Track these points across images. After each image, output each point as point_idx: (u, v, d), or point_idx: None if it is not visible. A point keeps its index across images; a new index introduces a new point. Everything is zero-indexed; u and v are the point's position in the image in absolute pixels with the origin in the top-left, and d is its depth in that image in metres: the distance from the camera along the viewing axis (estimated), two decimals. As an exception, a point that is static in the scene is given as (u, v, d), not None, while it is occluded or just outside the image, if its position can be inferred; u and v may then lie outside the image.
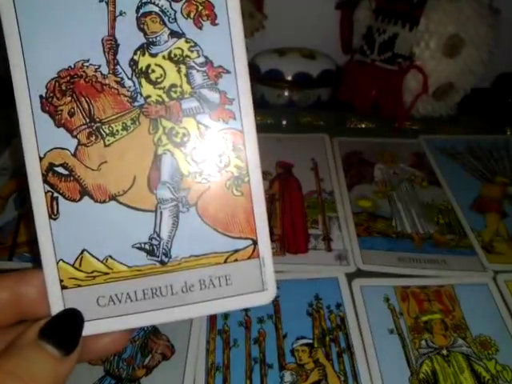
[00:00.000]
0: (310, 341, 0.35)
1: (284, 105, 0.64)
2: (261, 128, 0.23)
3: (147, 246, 0.23)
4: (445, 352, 0.35)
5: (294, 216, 0.46)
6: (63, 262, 0.22)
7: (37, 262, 0.23)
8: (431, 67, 0.57)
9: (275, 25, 0.66)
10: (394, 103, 0.60)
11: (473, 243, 0.44)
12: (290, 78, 0.63)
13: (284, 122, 0.62)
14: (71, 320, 0.22)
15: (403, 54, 0.57)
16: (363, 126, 0.62)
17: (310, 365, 0.34)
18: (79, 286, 0.23)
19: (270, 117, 0.61)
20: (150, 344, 0.35)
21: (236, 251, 0.23)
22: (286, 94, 0.63)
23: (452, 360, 0.34)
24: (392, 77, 0.59)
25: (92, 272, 0.23)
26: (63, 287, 0.22)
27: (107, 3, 0.22)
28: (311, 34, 0.67)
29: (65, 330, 0.22)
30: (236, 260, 0.23)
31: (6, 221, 0.45)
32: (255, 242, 0.23)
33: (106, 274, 0.23)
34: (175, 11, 0.22)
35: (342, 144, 0.57)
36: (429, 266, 0.42)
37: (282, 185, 0.50)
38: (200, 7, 0.22)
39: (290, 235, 0.44)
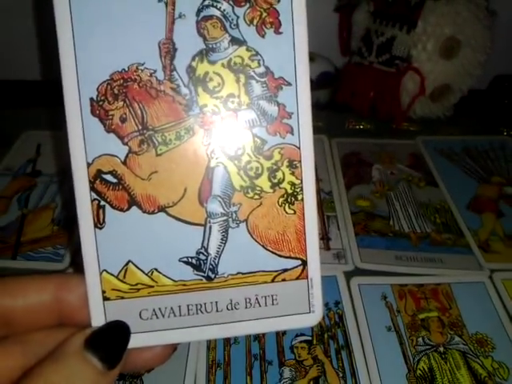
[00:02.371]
0: (309, 338, 0.36)
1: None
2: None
3: (194, 261, 0.22)
4: (442, 349, 0.35)
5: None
6: (107, 272, 0.22)
7: (79, 270, 0.22)
8: (428, 69, 0.57)
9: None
10: (392, 105, 0.60)
11: (469, 242, 0.44)
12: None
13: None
14: (118, 333, 0.21)
15: (401, 56, 0.58)
16: (361, 127, 0.62)
17: (308, 361, 0.34)
18: (122, 297, 0.22)
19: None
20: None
21: (284, 271, 0.23)
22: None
23: (449, 357, 0.35)
24: (390, 78, 0.59)
25: (136, 284, 0.22)
26: (105, 298, 0.22)
27: (166, 4, 0.21)
28: (310, 37, 0.67)
29: (111, 342, 0.21)
30: (284, 280, 0.22)
31: (9, 220, 0.45)
32: (305, 263, 0.23)
33: (151, 286, 0.22)
34: (238, 17, 0.21)
35: (340, 145, 0.58)
36: (426, 264, 0.42)
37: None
38: (264, 14, 0.21)
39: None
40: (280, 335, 0.36)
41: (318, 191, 0.50)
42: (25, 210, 0.46)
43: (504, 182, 0.52)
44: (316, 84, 0.64)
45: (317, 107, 0.65)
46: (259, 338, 0.35)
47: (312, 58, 0.65)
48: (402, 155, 0.56)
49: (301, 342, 0.35)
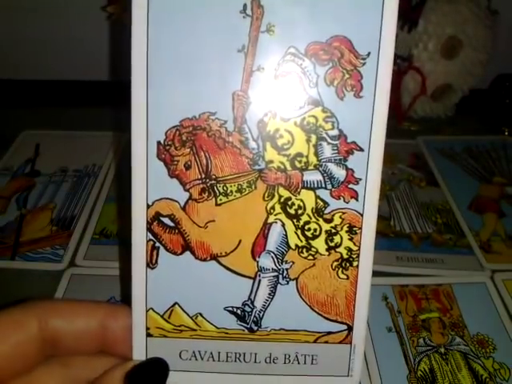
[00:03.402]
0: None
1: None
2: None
3: (239, 312, 0.22)
4: (443, 350, 0.35)
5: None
6: (153, 311, 0.22)
7: (128, 304, 0.23)
8: (429, 68, 0.57)
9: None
10: (393, 104, 0.60)
11: (471, 243, 0.44)
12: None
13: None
14: (158, 369, 0.22)
15: (402, 55, 0.58)
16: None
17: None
18: (165, 336, 0.22)
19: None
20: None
21: (328, 333, 0.23)
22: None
23: (450, 358, 0.34)
24: (391, 78, 0.59)
25: (180, 326, 0.22)
26: (148, 335, 0.22)
27: (246, 54, 0.20)
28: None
29: (151, 378, 0.21)
30: (326, 342, 0.23)
31: (8, 220, 0.45)
32: (350, 328, 0.23)
33: (194, 330, 0.22)
34: (318, 75, 0.20)
35: (341, 144, 0.57)
36: (427, 265, 0.42)
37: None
38: (346, 75, 0.20)
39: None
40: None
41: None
42: (23, 210, 0.46)
43: (505, 182, 0.52)
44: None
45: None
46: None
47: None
48: (402, 155, 0.56)
49: None
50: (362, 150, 0.21)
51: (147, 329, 0.22)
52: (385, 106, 0.21)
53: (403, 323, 0.37)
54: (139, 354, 0.22)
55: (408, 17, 0.57)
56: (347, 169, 0.21)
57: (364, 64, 0.20)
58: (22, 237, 0.43)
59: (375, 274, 0.41)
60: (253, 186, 0.21)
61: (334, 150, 0.21)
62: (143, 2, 0.20)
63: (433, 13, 0.56)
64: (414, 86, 0.59)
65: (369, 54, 0.20)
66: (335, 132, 0.21)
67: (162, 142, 0.21)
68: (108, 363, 0.21)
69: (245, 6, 0.20)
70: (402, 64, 0.58)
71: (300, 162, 0.21)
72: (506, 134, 0.60)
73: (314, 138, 0.21)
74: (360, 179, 0.21)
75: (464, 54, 0.57)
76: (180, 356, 0.23)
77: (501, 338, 0.36)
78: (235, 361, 0.23)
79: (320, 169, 0.21)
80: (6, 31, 0.65)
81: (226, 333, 0.22)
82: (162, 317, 0.22)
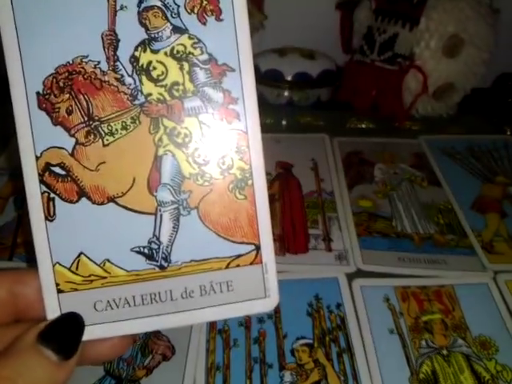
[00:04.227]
0: (310, 341, 0.35)
1: (284, 105, 0.64)
2: (260, 128, 0.22)
3: (146, 250, 0.22)
4: (445, 352, 0.35)
5: (294, 216, 0.46)
6: (60, 265, 0.22)
7: (33, 263, 0.22)
8: (431, 67, 0.57)
9: (275, 25, 0.66)
10: (394, 103, 0.60)
11: (473, 243, 0.44)
12: (289, 78, 0.63)
13: (284, 122, 0.62)
14: (72, 324, 0.22)
15: (403, 53, 0.58)
16: (363, 126, 0.62)
17: (309, 365, 0.34)
18: (76, 289, 0.22)
19: (270, 117, 0.61)
20: (151, 345, 0.35)
21: (238, 256, 0.23)
22: (286, 93, 0.63)
23: (452, 360, 0.34)
24: (392, 77, 0.59)
25: (89, 276, 0.22)
26: (59, 291, 0.22)
27: None
28: (311, 34, 0.67)
29: (65, 334, 0.21)
30: (238, 265, 0.23)
31: (5, 221, 0.45)
32: (258, 248, 0.23)
33: (104, 278, 0.22)
34: (178, 6, 0.21)
35: (342, 144, 0.57)
36: (429, 266, 0.42)
37: (281, 185, 0.50)
38: (204, 2, 0.21)
39: (290, 235, 0.44)
40: (280, 338, 0.35)
41: (320, 191, 0.49)
42: (21, 211, 0.46)
43: (508, 181, 0.52)
44: (317, 82, 0.64)
45: (318, 106, 0.65)
46: (259, 340, 0.35)
47: (313, 55, 0.65)
48: (404, 154, 0.56)
49: (302, 344, 0.35)
50: (233, 70, 0.22)
51: (57, 285, 0.22)
52: (245, 25, 0.22)
53: (405, 325, 0.37)
54: (53, 313, 0.22)
55: (409, 15, 0.56)
56: (223, 90, 0.22)
57: None
58: (19, 237, 0.43)
59: (377, 275, 0.42)
60: (137, 122, 0.22)
61: (207, 74, 0.22)
62: None
63: (434, 11, 0.55)
64: (416, 85, 0.58)
65: None
66: (205, 56, 0.22)
67: (40, 91, 0.21)
68: (23, 330, 0.21)
69: None
70: (404, 63, 0.58)
71: (178, 90, 0.22)
72: (509, 133, 0.60)
73: (186, 65, 0.22)
74: (238, 98, 0.22)
75: (466, 52, 0.57)
76: (95, 307, 0.22)
77: (503, 340, 0.36)
78: (151, 302, 0.22)
79: (198, 94, 0.22)
80: None
81: (138, 275, 0.22)
82: (69, 270, 0.22)
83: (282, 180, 0.51)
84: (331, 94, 0.66)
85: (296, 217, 0.46)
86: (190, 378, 0.33)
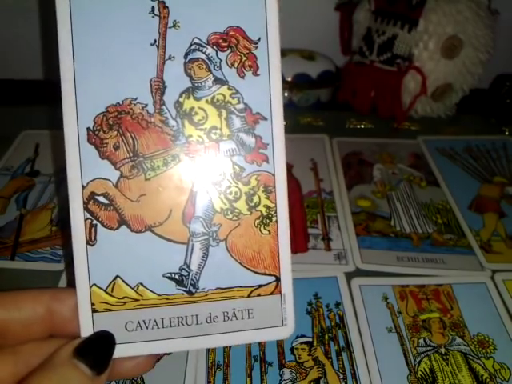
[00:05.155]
0: (310, 339, 0.35)
1: (284, 105, 0.64)
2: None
3: (177, 277, 0.24)
4: (443, 350, 0.35)
5: (293, 216, 0.46)
6: (96, 286, 0.23)
7: (72, 284, 0.23)
8: (430, 68, 0.57)
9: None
10: (393, 104, 0.60)
11: (471, 243, 0.44)
12: (289, 78, 0.63)
13: (284, 123, 0.62)
14: (105, 342, 0.23)
15: (402, 54, 0.58)
16: (362, 126, 0.62)
17: (309, 363, 0.34)
18: (110, 310, 0.24)
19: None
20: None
21: (259, 286, 0.25)
22: (286, 94, 0.63)
23: (450, 358, 0.34)
24: (391, 78, 0.59)
25: (123, 298, 0.24)
26: (94, 311, 0.23)
27: (158, 47, 0.23)
28: (311, 36, 0.67)
29: (98, 351, 0.22)
30: (259, 295, 0.25)
31: (8, 220, 0.45)
32: (278, 279, 0.25)
33: (136, 300, 0.24)
34: (220, 60, 0.24)
35: (341, 144, 0.57)
36: (427, 265, 0.42)
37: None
38: (244, 58, 0.24)
39: (289, 235, 0.44)
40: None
41: (319, 191, 0.50)
42: (23, 210, 0.46)
43: (506, 182, 0.52)
44: (317, 83, 0.64)
45: (318, 106, 0.65)
46: (259, 339, 0.35)
47: (313, 57, 0.65)
48: (403, 155, 0.56)
49: (301, 343, 0.35)
50: (265, 119, 0.24)
51: (92, 305, 0.23)
52: (278, 80, 0.24)
53: (403, 323, 0.37)
54: (87, 331, 0.23)
55: (408, 16, 0.57)
56: (256, 136, 0.24)
57: (257, 48, 0.24)
58: (21, 237, 0.43)
59: (375, 274, 0.42)
60: (177, 160, 0.24)
61: (242, 121, 0.24)
62: (66, 8, 0.23)
63: (433, 12, 0.55)
64: (415, 86, 0.59)
65: (259, 39, 0.24)
66: (241, 106, 0.24)
67: (91, 127, 0.23)
68: (57, 345, 0.22)
69: (153, 7, 0.23)
70: (403, 64, 0.58)
71: (215, 134, 0.24)
72: (507, 133, 0.60)
73: (224, 112, 0.24)
74: (268, 144, 0.24)
75: (464, 53, 0.57)
76: (126, 328, 0.24)
77: (501, 339, 0.36)
78: (178, 325, 0.24)
79: (233, 138, 0.24)
80: (6, 30, 0.65)
81: (167, 299, 0.24)
82: (105, 291, 0.23)
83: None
84: (331, 95, 0.66)
85: (296, 216, 0.46)
86: (191, 375, 0.33)
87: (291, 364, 0.34)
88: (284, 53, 0.65)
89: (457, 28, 0.55)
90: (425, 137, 0.59)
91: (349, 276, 0.41)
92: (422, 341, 0.36)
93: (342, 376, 0.33)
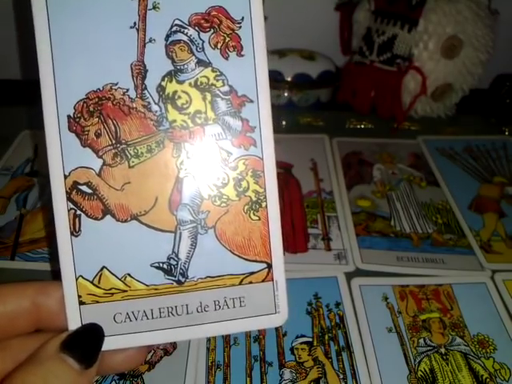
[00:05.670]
0: (310, 339, 0.35)
1: (284, 105, 0.64)
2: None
3: (165, 266, 0.23)
4: (443, 350, 0.35)
5: (293, 216, 0.47)
6: (83, 278, 0.23)
7: (57, 276, 0.23)
8: (430, 68, 0.57)
9: (275, 26, 0.66)
10: (393, 104, 0.60)
11: (471, 243, 0.44)
12: (289, 78, 0.63)
13: (284, 123, 0.62)
14: (93, 335, 0.22)
15: (402, 54, 0.58)
16: (362, 126, 0.62)
17: (309, 363, 0.34)
18: (97, 302, 0.23)
19: (270, 117, 0.61)
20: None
21: (251, 274, 0.24)
22: (286, 94, 0.63)
23: (450, 358, 0.34)
24: (391, 78, 0.59)
25: (110, 289, 0.23)
26: (81, 303, 0.23)
27: (138, 30, 0.23)
28: (311, 36, 0.68)
29: (86, 344, 0.22)
30: (250, 282, 0.24)
31: (7, 220, 0.45)
32: (270, 266, 0.24)
33: (124, 291, 0.23)
34: (203, 41, 0.23)
35: (341, 144, 0.57)
36: (427, 265, 0.42)
37: (281, 185, 0.50)
38: (227, 38, 0.23)
39: (289, 235, 0.44)
40: (280, 336, 0.35)
41: (319, 191, 0.50)
42: (23, 210, 0.46)
43: (506, 182, 0.52)
44: (317, 83, 0.64)
45: (318, 106, 0.65)
46: (259, 339, 0.35)
47: (313, 57, 0.65)
48: (403, 155, 0.56)
49: (301, 343, 0.35)
50: (251, 101, 0.23)
51: (79, 297, 0.23)
52: (264, 60, 0.23)
53: (403, 323, 0.37)
54: (75, 324, 0.23)
55: (408, 16, 0.57)
56: (242, 119, 0.23)
57: (240, 27, 0.23)
58: (21, 237, 0.43)
59: (375, 274, 0.42)
60: (161, 146, 0.23)
61: (228, 104, 0.23)
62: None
63: (433, 12, 0.55)
64: (415, 86, 0.59)
65: (242, 18, 0.23)
66: (226, 88, 0.23)
67: (71, 115, 0.23)
68: (45, 339, 0.22)
69: None
70: (403, 64, 0.58)
71: (200, 118, 0.23)
72: (507, 133, 0.60)
73: (208, 95, 0.23)
74: (255, 127, 0.23)
75: (464, 53, 0.57)
76: (114, 319, 0.23)
77: (501, 339, 0.36)
78: (168, 315, 0.23)
79: (219, 122, 0.23)
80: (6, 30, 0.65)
81: (156, 289, 0.23)
82: (91, 283, 0.23)
83: (281, 180, 0.51)
84: (331, 95, 0.66)
85: (296, 216, 0.46)
86: (191, 375, 0.33)
87: (291, 364, 0.34)
88: (284, 53, 0.65)
89: (457, 28, 0.55)
90: (425, 137, 0.59)
91: (349, 276, 0.41)
92: (421, 341, 0.36)
93: (341, 376, 0.33)
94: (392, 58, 0.59)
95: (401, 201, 0.49)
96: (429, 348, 0.35)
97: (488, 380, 0.33)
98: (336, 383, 0.33)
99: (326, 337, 0.36)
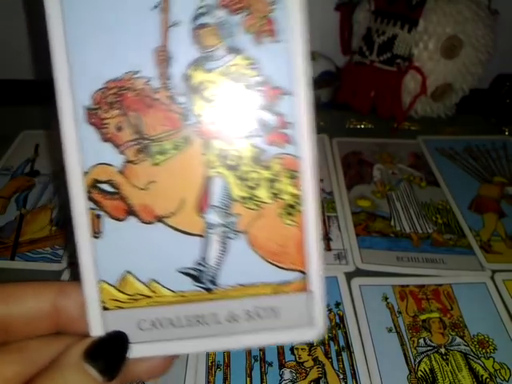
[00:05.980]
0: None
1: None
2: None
3: (193, 272, 0.22)
4: (443, 350, 0.35)
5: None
6: (105, 282, 0.21)
7: (76, 279, 0.22)
8: (430, 68, 0.57)
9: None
10: (393, 104, 0.60)
11: (471, 243, 0.44)
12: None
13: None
14: (118, 344, 0.21)
15: (402, 55, 0.58)
16: (362, 126, 0.62)
17: (309, 363, 0.34)
18: (121, 308, 0.21)
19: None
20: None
21: (285, 283, 0.22)
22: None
23: (450, 358, 0.34)
24: (391, 78, 0.59)
25: (135, 294, 0.22)
26: (104, 308, 0.21)
27: (161, 11, 0.20)
28: (311, 36, 0.67)
29: (111, 353, 0.20)
30: (284, 292, 0.22)
31: (8, 220, 0.45)
32: (306, 275, 0.22)
33: (149, 297, 0.22)
34: (233, 24, 0.21)
35: (341, 144, 0.57)
36: (427, 265, 0.42)
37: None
38: (262, 21, 0.20)
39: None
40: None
41: (319, 191, 0.50)
42: (23, 210, 0.46)
43: (506, 182, 0.52)
44: (317, 83, 0.64)
45: (318, 106, 0.65)
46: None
47: (313, 57, 0.65)
48: (403, 155, 0.56)
49: (301, 343, 0.35)
50: (287, 93, 0.21)
51: (102, 302, 0.21)
52: (303, 48, 0.21)
53: (403, 323, 0.37)
54: (97, 330, 0.21)
55: (408, 16, 0.57)
56: (276, 114, 0.21)
57: (275, 10, 0.20)
58: (21, 237, 0.43)
59: (375, 274, 0.42)
60: (188, 142, 0.21)
61: (260, 96, 0.21)
62: None
63: (433, 12, 0.55)
64: (415, 86, 0.59)
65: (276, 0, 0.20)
66: (259, 78, 0.21)
67: (89, 106, 0.20)
68: (65, 343, 0.20)
69: None
70: (403, 64, 0.58)
71: (229, 111, 0.21)
72: (507, 133, 0.60)
73: (239, 86, 0.21)
74: (291, 123, 0.21)
75: (464, 53, 0.57)
76: (139, 326, 0.22)
77: (501, 339, 0.36)
78: (196, 324, 0.22)
79: (250, 116, 0.21)
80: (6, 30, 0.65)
81: (183, 296, 0.22)
82: (115, 287, 0.21)
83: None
84: (331, 95, 0.66)
85: (295, 216, 0.46)
86: (191, 375, 0.33)
87: (291, 364, 0.34)
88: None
89: (457, 28, 0.55)
90: (425, 137, 0.59)
91: (349, 276, 0.41)
92: (421, 341, 0.36)
93: (342, 376, 0.33)
94: (392, 58, 0.59)
95: (401, 201, 0.49)
96: (429, 348, 0.35)
97: (488, 380, 0.33)
98: (336, 383, 0.33)
99: (326, 337, 0.36)
